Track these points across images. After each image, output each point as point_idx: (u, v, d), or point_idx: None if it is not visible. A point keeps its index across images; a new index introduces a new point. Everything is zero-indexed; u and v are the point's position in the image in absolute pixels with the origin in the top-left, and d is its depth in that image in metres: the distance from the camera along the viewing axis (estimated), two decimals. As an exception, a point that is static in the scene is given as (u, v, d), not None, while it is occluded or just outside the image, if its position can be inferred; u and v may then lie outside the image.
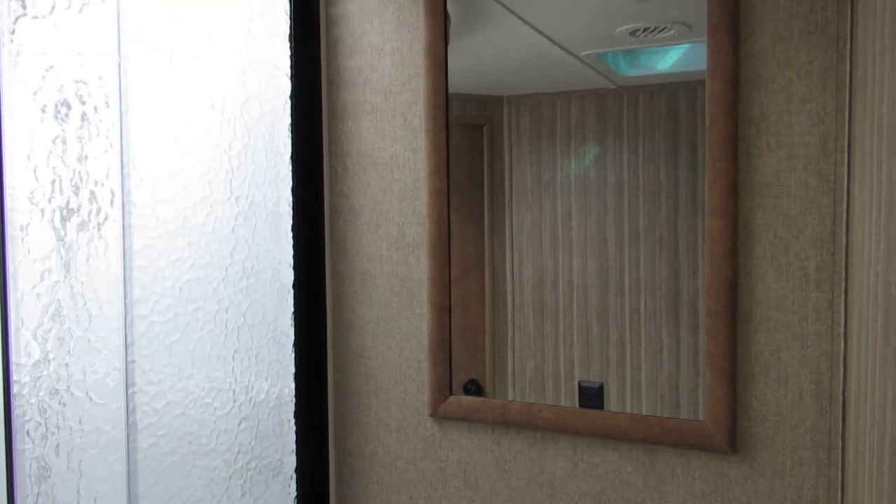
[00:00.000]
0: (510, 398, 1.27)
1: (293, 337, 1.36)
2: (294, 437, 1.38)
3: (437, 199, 1.31)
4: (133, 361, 1.06)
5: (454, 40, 1.29)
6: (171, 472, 1.13)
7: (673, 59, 1.15)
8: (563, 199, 1.23)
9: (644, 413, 1.17)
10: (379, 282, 1.39)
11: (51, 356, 0.99)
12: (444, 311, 1.32)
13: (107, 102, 1.01)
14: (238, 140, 1.24)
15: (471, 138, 1.30)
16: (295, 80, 1.34)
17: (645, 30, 1.15)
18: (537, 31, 1.23)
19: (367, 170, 1.39)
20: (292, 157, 1.34)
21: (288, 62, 1.33)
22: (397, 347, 1.38)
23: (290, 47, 1.33)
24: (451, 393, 1.33)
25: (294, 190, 1.34)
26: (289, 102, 1.33)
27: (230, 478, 1.24)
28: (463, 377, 1.31)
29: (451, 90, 1.29)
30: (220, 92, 1.20)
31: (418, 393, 1.37)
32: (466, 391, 1.31)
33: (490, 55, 1.27)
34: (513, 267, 1.28)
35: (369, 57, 1.37)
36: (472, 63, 1.29)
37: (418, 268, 1.35)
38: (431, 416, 1.35)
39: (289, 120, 1.33)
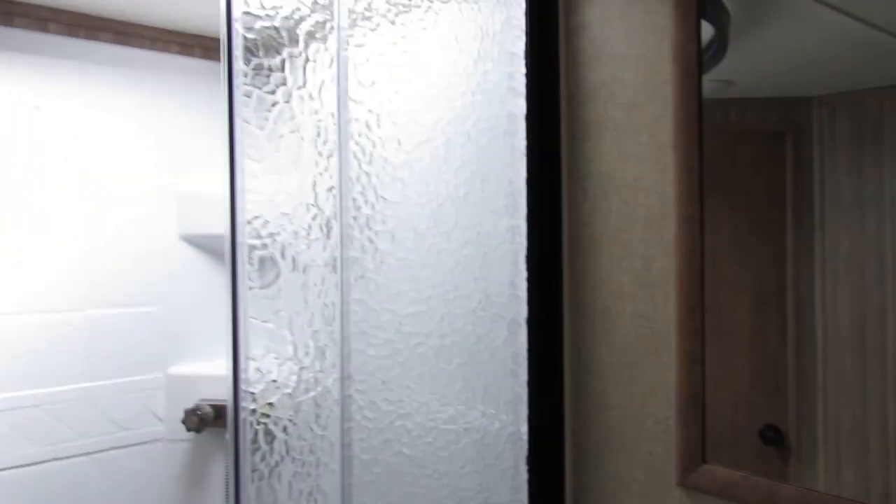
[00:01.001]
0: (820, 453, 1.02)
1: (525, 377, 1.25)
2: (526, 485, 1.26)
3: (687, 228, 1.10)
4: (349, 396, 1.04)
5: (737, 36, 1.08)
6: (388, 511, 1.09)
7: None
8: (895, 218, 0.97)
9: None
10: (621, 322, 1.22)
11: (276, 383, 1.01)
12: (695, 361, 1.10)
13: (327, 137, 1.01)
14: (466, 167, 1.17)
15: (769, 148, 1.09)
16: (530, 100, 1.24)
17: None
18: (849, 15, 0.97)
19: (609, 194, 1.23)
20: (527, 183, 1.24)
21: (523, 81, 1.23)
22: (641, 399, 1.20)
23: (526, 65, 1.24)
24: (704, 461, 1.10)
25: (528, 218, 1.24)
26: (523, 124, 1.24)
27: (453, 523, 1.17)
28: (758, 421, 1.09)
29: (740, 94, 1.09)
30: (447, 118, 1.15)
31: (665, 455, 1.16)
32: (763, 438, 1.08)
33: (789, 49, 1.04)
34: (824, 297, 1.03)
35: (611, 67, 1.22)
36: (765, 61, 1.06)
37: (666, 308, 1.15)
38: (680, 485, 1.13)
39: (523, 142, 1.24)
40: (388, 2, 1.07)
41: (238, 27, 0.97)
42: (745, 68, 1.08)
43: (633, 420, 1.21)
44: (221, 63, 0.97)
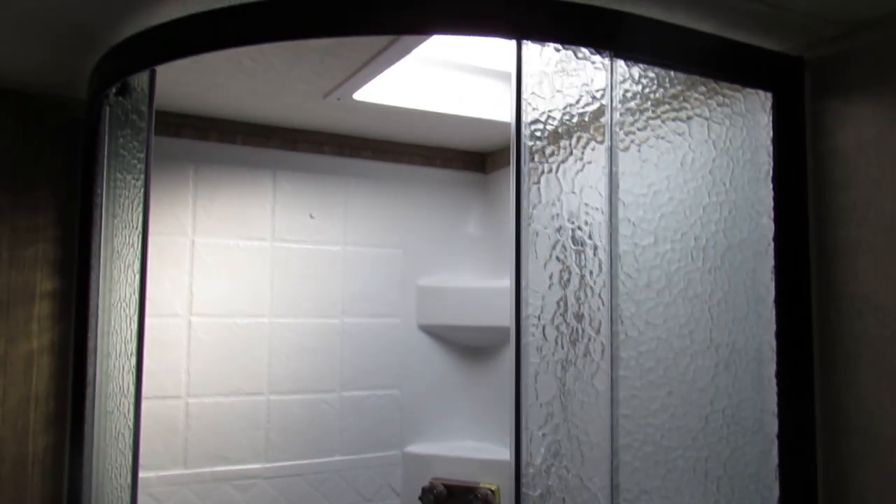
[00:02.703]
0: None
1: (778, 492, 1.27)
2: None
3: (961, 358, 1.10)
4: (617, 504, 1.13)
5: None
6: None
7: None
8: None
9: None
10: (881, 442, 1.21)
11: (552, 490, 1.13)
12: (976, 495, 1.07)
13: (600, 269, 1.15)
14: (719, 289, 1.25)
15: None
16: (778, 222, 1.30)
17: None
18: None
19: (864, 314, 1.24)
20: (776, 301, 1.29)
21: (772, 204, 1.30)
22: (910, 526, 1.17)
23: (773, 189, 1.31)
24: None
25: (778, 335, 1.29)
26: (772, 245, 1.30)
27: None
28: None
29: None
30: (702, 244, 1.25)
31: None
32: None
33: None
34: None
35: (865, 191, 1.25)
36: None
37: (937, 435, 1.14)
38: None
39: (771, 262, 1.30)
40: (652, 147, 1.20)
41: (525, 177, 1.15)
42: None
43: (900, 547, 1.18)
44: (511, 208, 1.15)
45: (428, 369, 2.31)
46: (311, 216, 2.16)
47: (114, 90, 1.49)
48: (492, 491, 2.10)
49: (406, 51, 1.48)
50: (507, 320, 2.20)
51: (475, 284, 2.31)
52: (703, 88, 1.26)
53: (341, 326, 2.19)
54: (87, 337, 1.80)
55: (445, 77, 1.92)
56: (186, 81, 1.71)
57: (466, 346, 2.35)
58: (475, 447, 2.28)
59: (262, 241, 2.10)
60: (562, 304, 1.15)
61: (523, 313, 1.13)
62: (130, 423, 1.38)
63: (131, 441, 1.37)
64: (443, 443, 2.29)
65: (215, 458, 2.00)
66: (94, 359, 1.60)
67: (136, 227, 1.40)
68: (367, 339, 2.23)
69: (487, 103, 1.98)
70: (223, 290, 2.04)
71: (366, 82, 1.68)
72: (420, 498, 2.15)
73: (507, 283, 2.23)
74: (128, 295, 1.42)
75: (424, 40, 1.43)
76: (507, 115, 2.03)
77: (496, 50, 1.86)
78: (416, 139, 2.28)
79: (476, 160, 2.43)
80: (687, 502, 1.20)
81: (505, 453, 2.19)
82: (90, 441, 1.65)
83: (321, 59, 1.54)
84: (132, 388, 1.39)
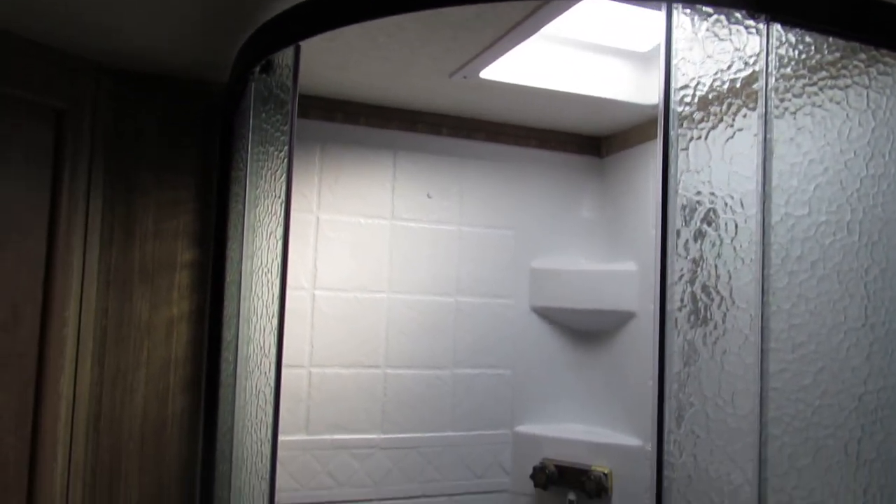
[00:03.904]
0: None
1: (933, 481, 1.21)
2: None
3: None
4: (765, 479, 1.11)
5: None
6: None
7: None
8: None
9: None
10: None
11: (697, 459, 1.11)
12: None
13: (751, 236, 1.12)
14: (876, 265, 1.20)
15: None
16: (941, 198, 1.23)
17: None
18: None
19: None
20: (936, 281, 1.22)
21: (933, 179, 1.24)
22: None
23: (937, 162, 1.24)
24: None
25: (937, 316, 1.22)
26: (934, 222, 1.23)
27: None
28: None
29: None
30: (857, 218, 1.20)
31: None
32: None
33: None
34: None
35: None
36: None
37: None
38: None
39: (933, 240, 1.23)
40: (807, 115, 1.16)
41: (673, 144, 1.13)
42: None
43: None
44: (655, 194, 1.13)
45: (539, 351, 2.32)
46: (429, 196, 2.20)
47: (258, 68, 1.56)
48: (605, 474, 2.08)
49: (541, 24, 1.49)
50: (622, 304, 2.18)
51: (590, 267, 2.29)
52: (862, 56, 1.21)
53: (455, 305, 2.22)
54: (222, 305, 1.91)
55: (567, 55, 1.91)
56: (320, 61, 1.77)
57: (579, 329, 2.33)
58: (585, 430, 2.26)
59: (382, 219, 2.16)
60: (709, 273, 1.13)
61: (669, 281, 1.12)
62: (272, 382, 1.45)
63: (272, 397, 1.44)
64: (553, 424, 2.29)
65: (335, 426, 2.07)
66: (235, 322, 1.69)
67: (279, 196, 1.47)
68: (480, 319, 2.25)
69: (608, 82, 1.96)
70: (345, 266, 2.11)
71: (494, 59, 1.70)
72: (531, 477, 2.15)
73: (623, 266, 2.21)
74: (270, 260, 1.49)
75: (563, 11, 1.43)
76: (627, 94, 2.01)
77: (621, 27, 1.84)
78: (531, 122, 2.28)
79: (591, 144, 2.41)
80: (837, 484, 1.16)
81: (616, 437, 2.17)
82: (227, 402, 1.74)
83: (455, 33, 1.56)
84: (273, 349, 1.46)
